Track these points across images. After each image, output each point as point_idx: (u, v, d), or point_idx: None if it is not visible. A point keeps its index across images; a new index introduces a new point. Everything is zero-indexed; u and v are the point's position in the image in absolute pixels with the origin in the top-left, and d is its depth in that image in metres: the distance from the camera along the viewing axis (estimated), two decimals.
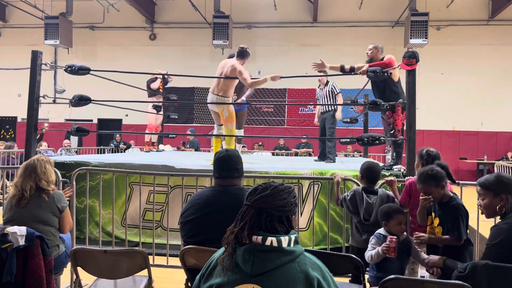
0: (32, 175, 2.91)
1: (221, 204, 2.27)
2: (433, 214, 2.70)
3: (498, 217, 2.29)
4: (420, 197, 2.70)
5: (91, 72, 5.15)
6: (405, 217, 2.93)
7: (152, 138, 8.52)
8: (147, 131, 8.35)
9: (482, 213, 2.38)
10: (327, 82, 6.57)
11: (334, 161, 6.27)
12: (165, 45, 14.62)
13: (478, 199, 2.38)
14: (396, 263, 2.65)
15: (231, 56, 5.73)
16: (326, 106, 6.41)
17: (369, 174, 3.26)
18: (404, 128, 4.57)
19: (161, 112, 8.51)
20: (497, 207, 2.23)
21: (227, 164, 2.37)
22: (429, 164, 2.95)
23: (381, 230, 2.80)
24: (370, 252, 2.71)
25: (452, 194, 2.68)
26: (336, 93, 6.46)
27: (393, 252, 2.57)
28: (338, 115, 6.53)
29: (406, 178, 3.72)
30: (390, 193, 3.27)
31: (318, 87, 6.75)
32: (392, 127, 4.75)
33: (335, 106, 6.38)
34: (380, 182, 3.49)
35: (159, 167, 4.94)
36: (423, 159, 3.16)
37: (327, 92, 6.47)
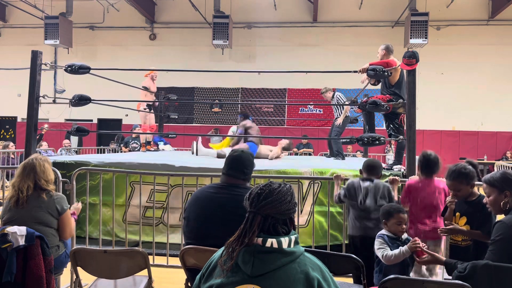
0: (31, 174, 2.88)
1: (219, 200, 2.33)
2: (457, 213, 2.71)
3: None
4: (447, 200, 2.73)
5: (91, 71, 5.14)
6: (406, 218, 2.94)
7: (147, 138, 8.49)
8: (141, 131, 8.30)
9: (490, 210, 2.41)
10: (333, 95, 7.10)
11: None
12: (165, 45, 14.60)
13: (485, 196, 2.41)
14: (400, 266, 2.61)
15: None
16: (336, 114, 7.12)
17: (368, 165, 3.40)
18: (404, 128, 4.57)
19: (152, 111, 8.40)
20: (501, 203, 2.25)
21: (236, 164, 2.44)
22: (426, 167, 3.00)
23: (384, 231, 2.78)
24: (392, 252, 2.53)
25: (479, 193, 2.70)
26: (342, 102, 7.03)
27: (421, 254, 2.40)
28: (339, 120, 6.95)
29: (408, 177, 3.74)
30: (387, 184, 3.32)
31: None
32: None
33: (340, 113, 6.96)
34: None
35: (159, 167, 4.93)
36: (420, 162, 3.21)
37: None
